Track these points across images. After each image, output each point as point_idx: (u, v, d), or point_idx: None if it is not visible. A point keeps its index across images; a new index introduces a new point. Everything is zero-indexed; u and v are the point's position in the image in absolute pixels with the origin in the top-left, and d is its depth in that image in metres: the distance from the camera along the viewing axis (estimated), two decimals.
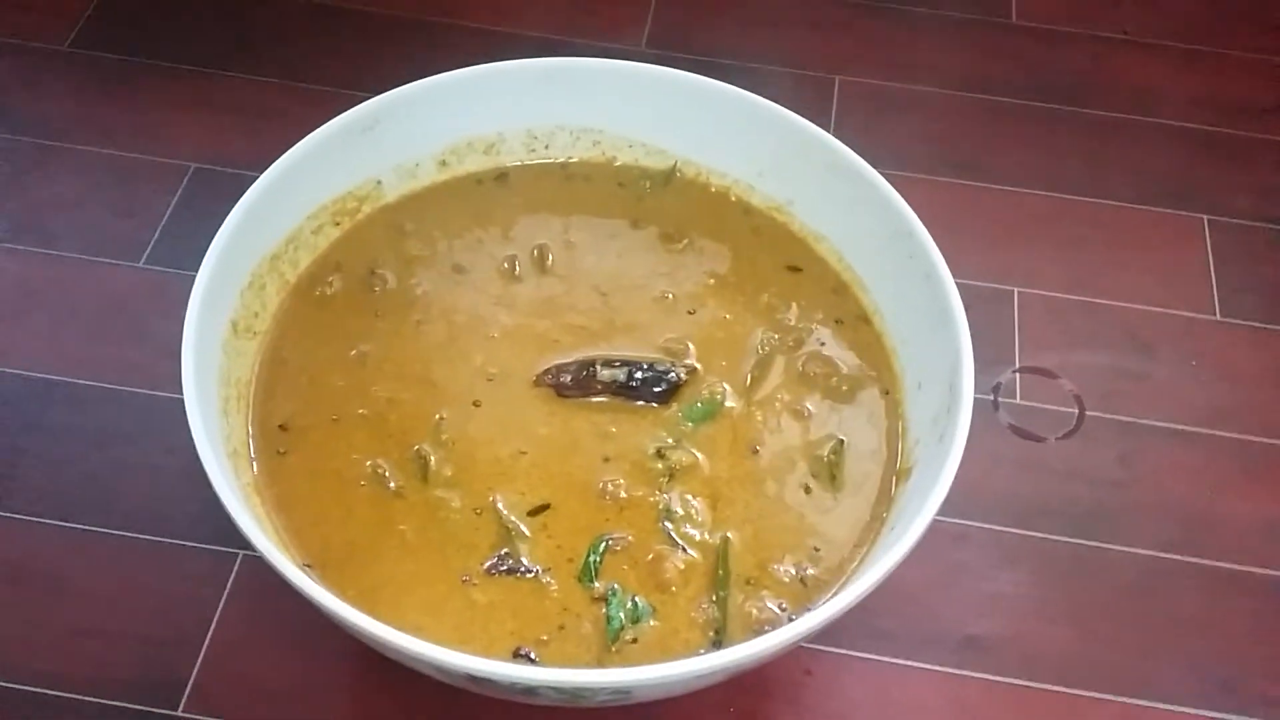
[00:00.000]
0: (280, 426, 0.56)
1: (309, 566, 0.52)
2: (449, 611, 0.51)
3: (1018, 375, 0.70)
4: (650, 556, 0.53)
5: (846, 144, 0.61)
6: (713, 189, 0.66)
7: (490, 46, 0.76)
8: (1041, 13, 0.89)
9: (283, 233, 0.60)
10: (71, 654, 0.57)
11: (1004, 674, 0.59)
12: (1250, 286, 0.74)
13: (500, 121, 0.65)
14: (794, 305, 0.62)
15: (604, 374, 0.58)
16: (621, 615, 0.51)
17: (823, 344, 0.60)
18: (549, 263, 0.63)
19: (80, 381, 0.66)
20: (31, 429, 0.64)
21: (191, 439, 0.49)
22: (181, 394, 0.50)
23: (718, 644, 0.51)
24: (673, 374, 0.58)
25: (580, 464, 0.56)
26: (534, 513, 0.54)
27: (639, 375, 0.58)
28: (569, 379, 0.58)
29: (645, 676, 0.45)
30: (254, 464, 0.55)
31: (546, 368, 0.58)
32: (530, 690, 0.46)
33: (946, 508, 0.50)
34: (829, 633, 0.57)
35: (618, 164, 0.67)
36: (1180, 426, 0.68)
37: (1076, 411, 0.68)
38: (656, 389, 0.58)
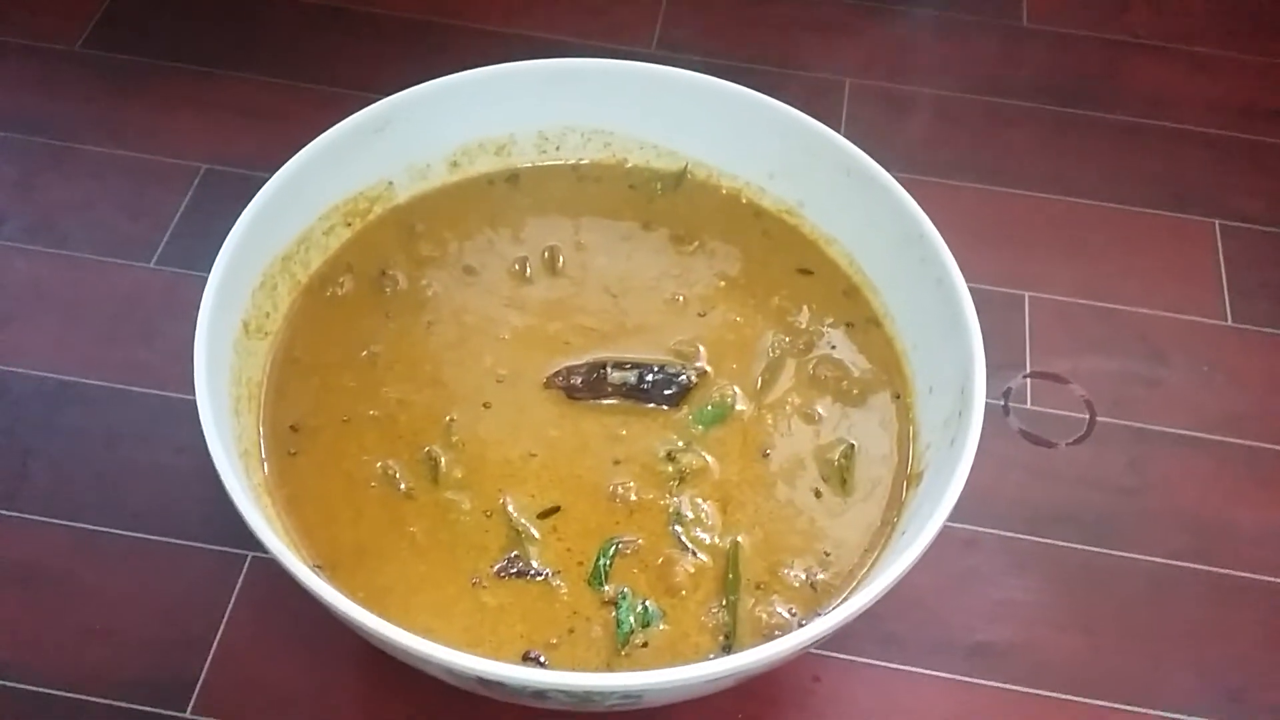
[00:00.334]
0: (291, 427, 0.56)
1: (319, 567, 0.52)
2: (458, 614, 0.51)
3: (1028, 380, 0.69)
4: (660, 560, 0.53)
5: (857, 147, 0.61)
6: (724, 191, 0.66)
7: (499, 48, 0.76)
8: (1052, 16, 0.89)
9: (294, 233, 0.60)
10: (81, 654, 0.57)
11: (1013, 681, 0.59)
12: (1262, 292, 0.74)
13: (511, 123, 0.65)
14: (805, 308, 0.61)
15: (614, 376, 0.58)
16: (631, 619, 0.51)
17: (834, 347, 0.60)
18: (560, 264, 0.63)
19: (91, 382, 0.66)
20: (42, 429, 0.64)
21: (201, 439, 0.49)
22: (191, 394, 0.51)
23: (728, 648, 0.51)
24: (683, 377, 0.58)
25: (590, 466, 0.56)
26: (544, 515, 0.54)
27: (649, 378, 0.58)
28: (579, 381, 0.58)
29: (656, 680, 0.45)
30: (265, 464, 0.55)
31: (557, 370, 0.58)
32: (540, 694, 0.46)
33: (956, 513, 0.50)
34: (838, 639, 0.57)
35: (629, 166, 0.67)
36: (1191, 433, 0.68)
37: (1087, 417, 0.68)
38: (667, 391, 0.58)
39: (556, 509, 0.54)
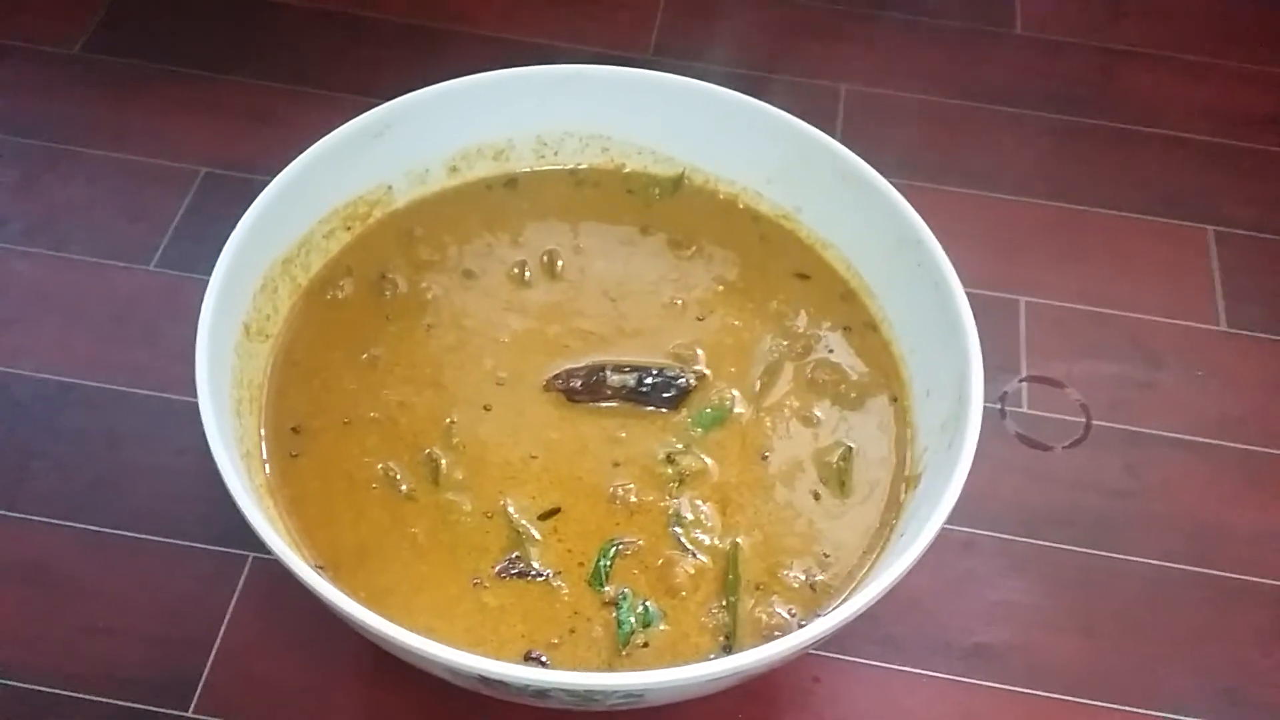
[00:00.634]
0: (292, 429, 0.56)
1: (321, 568, 0.52)
2: (460, 614, 0.52)
3: (1025, 384, 0.70)
4: (660, 561, 0.53)
5: (853, 152, 0.62)
6: (721, 196, 0.66)
7: (498, 53, 0.77)
8: (1045, 23, 0.90)
9: (295, 236, 0.61)
10: (83, 654, 0.57)
11: (1011, 683, 0.59)
12: (1256, 297, 0.75)
13: (510, 128, 0.66)
14: (802, 312, 0.62)
15: (614, 379, 0.58)
16: (632, 619, 0.51)
17: (831, 351, 0.61)
18: (559, 268, 0.63)
19: (92, 384, 0.66)
20: (44, 431, 0.64)
21: (202, 441, 0.50)
22: (192, 396, 0.51)
23: (728, 649, 0.51)
24: (682, 380, 0.58)
25: (590, 468, 0.56)
26: (544, 516, 0.54)
27: (649, 381, 0.58)
28: (579, 384, 0.58)
29: (658, 680, 0.46)
30: (266, 466, 0.55)
31: (556, 372, 0.59)
32: (542, 693, 0.47)
33: (954, 516, 0.50)
34: (837, 640, 0.57)
35: (627, 171, 0.67)
36: (1187, 436, 0.68)
37: (1083, 421, 0.69)
38: (666, 394, 0.58)
39: (557, 510, 0.55)
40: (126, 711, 0.56)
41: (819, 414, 0.58)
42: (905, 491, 0.56)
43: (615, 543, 0.54)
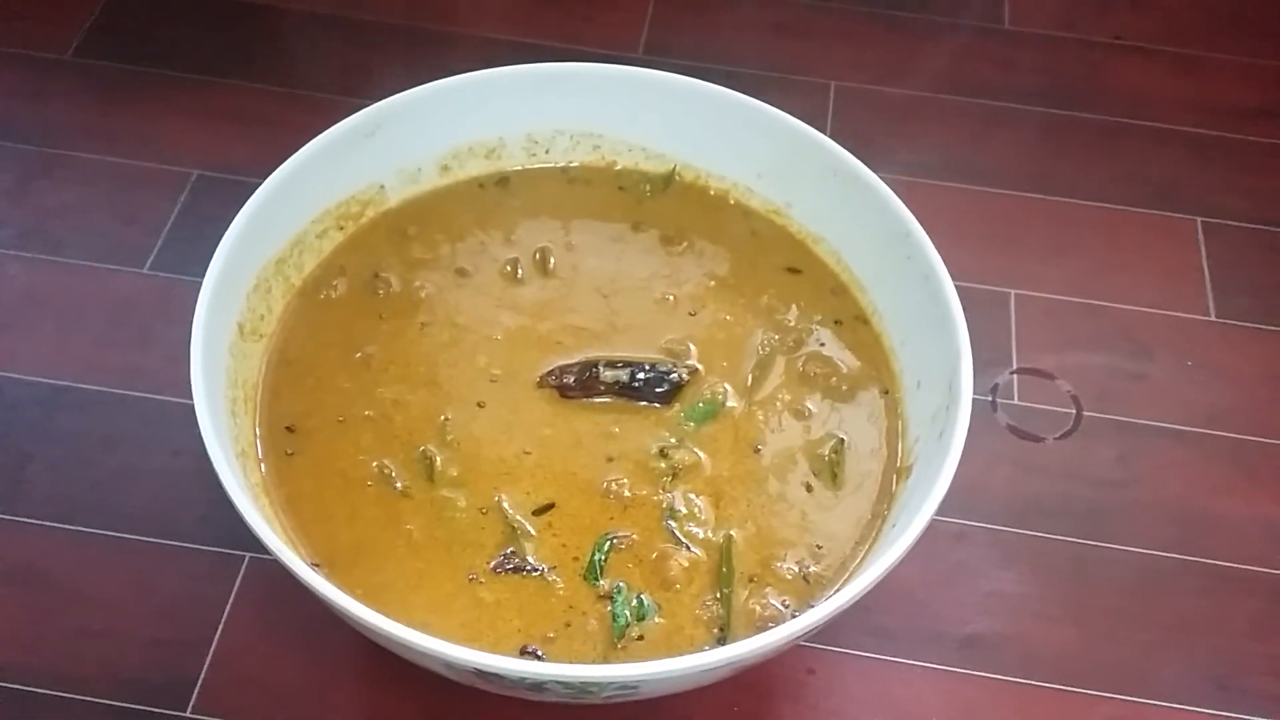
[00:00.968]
0: (287, 428, 0.57)
1: (317, 566, 0.52)
2: (456, 610, 0.52)
3: (1015, 376, 0.70)
4: (654, 554, 0.54)
5: (843, 148, 0.62)
6: (712, 192, 0.67)
7: (488, 53, 0.77)
8: (1034, 18, 0.90)
9: (287, 236, 0.61)
10: (80, 655, 0.58)
11: (1004, 672, 0.60)
12: (1245, 288, 0.75)
13: (501, 126, 0.66)
14: (794, 306, 0.62)
15: (607, 375, 0.59)
16: (627, 613, 0.52)
17: (822, 344, 0.61)
18: (551, 265, 0.63)
19: (87, 386, 0.66)
20: (39, 434, 0.65)
21: (198, 442, 0.50)
22: (187, 397, 0.51)
23: (722, 640, 0.51)
24: (675, 374, 0.59)
25: (584, 464, 0.56)
26: (539, 512, 0.55)
27: (641, 376, 0.58)
28: (572, 380, 0.58)
29: (652, 671, 0.46)
30: (261, 465, 0.55)
31: (550, 369, 0.59)
32: (538, 686, 0.47)
33: (946, 507, 0.51)
34: (831, 631, 0.57)
35: (618, 168, 0.67)
36: (1177, 427, 0.69)
37: (1074, 412, 0.69)
38: (659, 389, 0.58)
39: (551, 506, 0.55)
40: (124, 713, 0.56)
41: (810, 407, 0.59)
42: (897, 482, 0.56)
43: (609, 537, 0.54)
